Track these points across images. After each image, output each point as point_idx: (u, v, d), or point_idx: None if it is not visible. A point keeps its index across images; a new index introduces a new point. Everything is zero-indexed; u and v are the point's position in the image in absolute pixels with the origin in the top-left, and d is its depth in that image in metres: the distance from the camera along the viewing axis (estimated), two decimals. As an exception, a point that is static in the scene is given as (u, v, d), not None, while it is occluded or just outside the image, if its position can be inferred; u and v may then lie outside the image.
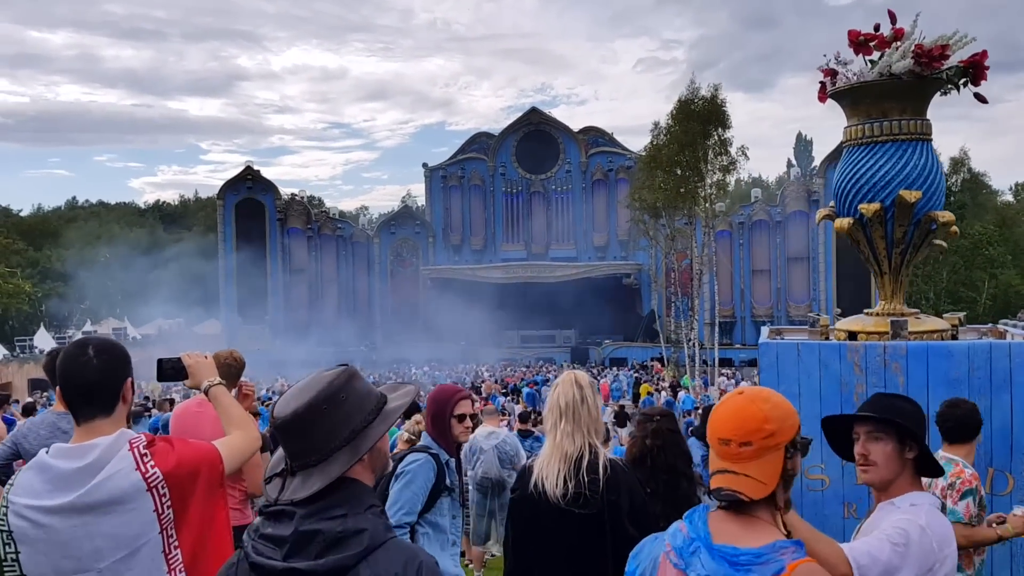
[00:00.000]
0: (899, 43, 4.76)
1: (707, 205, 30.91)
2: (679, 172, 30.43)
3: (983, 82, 4.69)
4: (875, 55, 4.91)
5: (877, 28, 4.84)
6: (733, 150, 30.52)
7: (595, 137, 47.92)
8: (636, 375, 32.92)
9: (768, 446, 1.77)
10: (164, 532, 2.25)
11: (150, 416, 14.38)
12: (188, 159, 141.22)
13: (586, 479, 2.94)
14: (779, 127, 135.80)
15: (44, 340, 39.69)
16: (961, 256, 44.19)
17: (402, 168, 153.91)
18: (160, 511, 2.24)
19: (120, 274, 51.76)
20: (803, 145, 78.43)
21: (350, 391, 1.78)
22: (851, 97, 4.93)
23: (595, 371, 37.44)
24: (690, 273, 34.37)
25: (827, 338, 5.12)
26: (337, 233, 48.47)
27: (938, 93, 4.95)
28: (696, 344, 32.42)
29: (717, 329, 33.12)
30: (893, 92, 4.77)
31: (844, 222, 4.89)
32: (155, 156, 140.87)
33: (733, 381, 30.88)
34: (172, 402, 14.22)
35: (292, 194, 48.97)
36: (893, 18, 4.89)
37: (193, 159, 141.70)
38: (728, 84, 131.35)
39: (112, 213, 74.69)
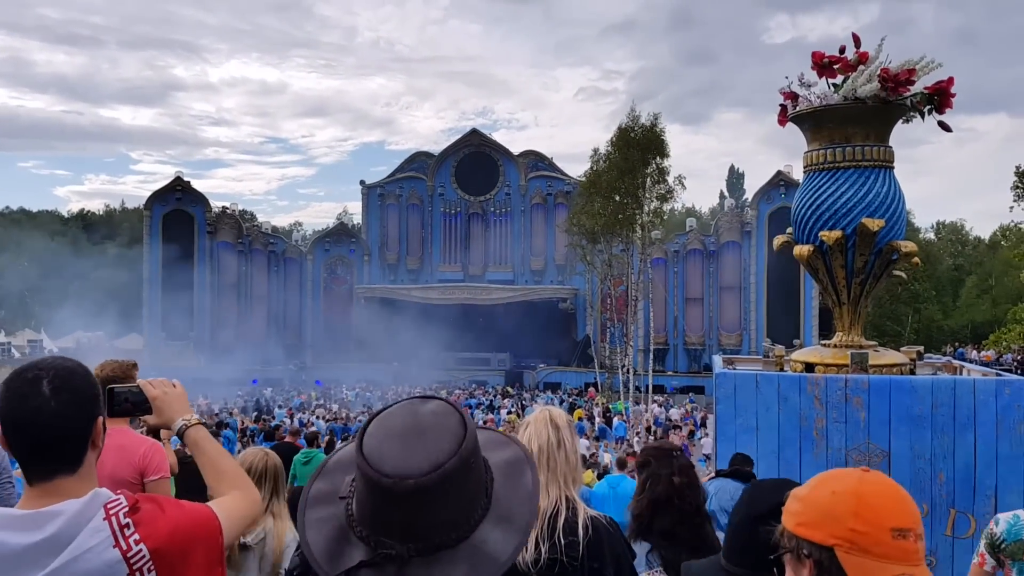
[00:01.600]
0: (864, 66, 4.63)
1: (644, 232, 31.08)
2: (617, 198, 30.56)
3: (948, 110, 4.58)
4: (839, 79, 4.77)
5: (842, 51, 4.71)
6: (670, 179, 30.83)
7: (535, 161, 48.00)
8: (571, 400, 32.79)
9: None
10: None
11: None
12: (117, 168, 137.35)
13: (562, 542, 2.43)
14: (713, 159, 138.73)
15: (-48, 351, 37.77)
16: (886, 290, 45.46)
17: (339, 185, 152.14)
18: None
19: (38, 283, 49.71)
20: (735, 178, 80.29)
21: (472, 434, 1.26)
22: (813, 120, 4.78)
23: (528, 395, 37.22)
24: (625, 299, 34.48)
25: (782, 369, 4.92)
26: (269, 248, 47.41)
27: (901, 120, 4.84)
28: (630, 370, 32.45)
29: (651, 356, 33.18)
30: (858, 117, 4.63)
31: (804, 249, 4.72)
32: (83, 164, 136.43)
33: (664, 408, 31.02)
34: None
35: (223, 207, 47.77)
36: (857, 41, 4.77)
37: (123, 169, 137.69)
38: (666, 116, 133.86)
39: (33, 221, 72.00)
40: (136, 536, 1.66)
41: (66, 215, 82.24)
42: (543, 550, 2.43)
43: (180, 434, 2.18)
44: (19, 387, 1.69)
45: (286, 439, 11.41)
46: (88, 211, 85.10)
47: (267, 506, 3.84)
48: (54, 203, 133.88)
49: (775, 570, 1.58)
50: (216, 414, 25.21)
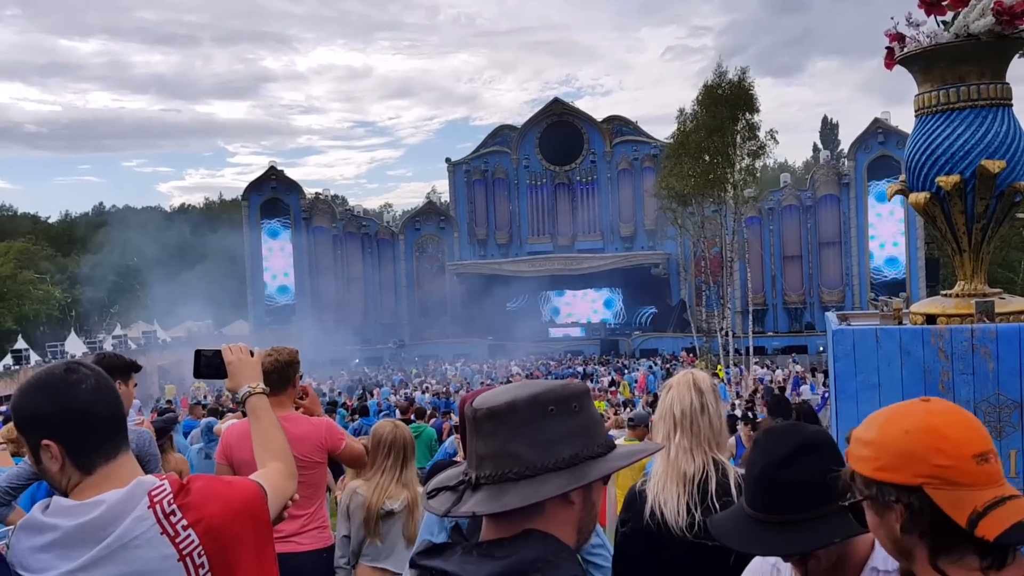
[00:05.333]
0: (975, 1, 4.39)
1: (736, 191, 30.36)
2: (707, 158, 29.90)
3: (1070, 40, 4.31)
4: (948, 15, 4.54)
5: (951, -15, 4.47)
6: (762, 134, 29.97)
7: (619, 126, 47.40)
8: (667, 366, 32.52)
9: None
10: None
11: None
12: (215, 162, 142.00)
13: (716, 505, 2.37)
14: (806, 111, 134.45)
15: (75, 346, 40.01)
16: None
17: (426, 165, 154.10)
18: None
19: (148, 277, 51.99)
20: (829, 129, 77.42)
21: (584, 405, 1.35)
22: (924, 61, 4.56)
23: (625, 363, 37.08)
24: (720, 261, 33.83)
25: (901, 322, 4.75)
26: (362, 231, 48.37)
27: (1018, 55, 4.58)
28: (728, 333, 31.91)
29: (750, 317, 32.53)
30: (971, 54, 4.39)
31: (920, 197, 4.53)
32: (183, 160, 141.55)
33: (769, 370, 30.42)
34: (203, 407, 13.95)
35: (316, 193, 48.94)
36: (967, -26, 4.51)
37: (220, 162, 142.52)
38: (757, 69, 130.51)
39: (138, 217, 75.31)
40: (184, 522, 1.65)
41: (168, 210, 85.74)
42: (696, 514, 2.41)
43: (243, 400, 2.27)
44: (61, 377, 1.68)
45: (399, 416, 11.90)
46: (189, 205, 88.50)
47: (397, 475, 4.00)
48: (157, 199, 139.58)
49: (804, 508, 1.68)
50: (325, 395, 26.00)
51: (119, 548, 1.60)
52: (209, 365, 2.36)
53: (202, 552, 1.65)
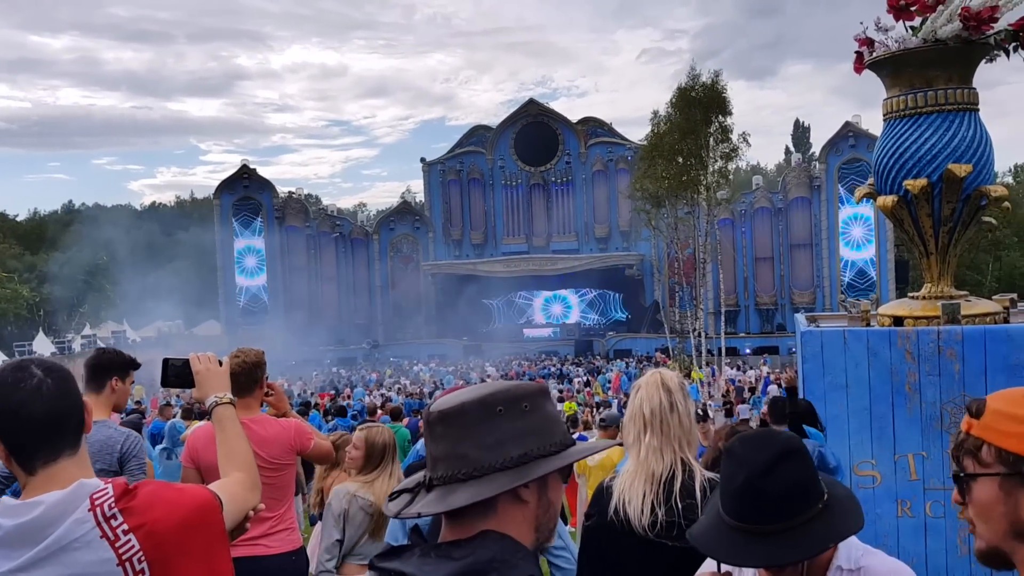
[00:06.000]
0: (943, 6, 4.44)
1: (709, 193, 30.57)
2: (680, 160, 30.09)
3: (1035, 46, 4.37)
4: (917, 21, 4.59)
5: (919, -9, 4.52)
6: (734, 137, 30.22)
7: (594, 128, 47.58)
8: (640, 366, 32.66)
9: None
10: None
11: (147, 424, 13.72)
12: (187, 160, 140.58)
13: (680, 505, 2.43)
14: (779, 114, 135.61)
15: (43, 345, 39.38)
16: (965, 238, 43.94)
17: (401, 164, 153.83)
18: None
19: (118, 277, 51.38)
20: (801, 132, 78.12)
21: (536, 404, 1.37)
22: (892, 66, 4.60)
23: (599, 364, 37.20)
24: (693, 262, 34.06)
25: (869, 324, 4.80)
26: (336, 231, 48.14)
27: (984, 60, 4.64)
28: (701, 334, 32.12)
29: (723, 318, 32.76)
30: (938, 59, 4.44)
31: (888, 200, 4.57)
32: (155, 158, 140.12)
33: (740, 371, 30.65)
34: (171, 407, 13.79)
35: (289, 192, 48.64)
36: (935, -20, 4.56)
37: (192, 160, 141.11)
38: (731, 73, 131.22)
39: (108, 215, 74.42)
40: (125, 526, 1.62)
41: (139, 208, 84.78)
42: (660, 513, 2.44)
43: (210, 410, 2.26)
44: (12, 376, 1.67)
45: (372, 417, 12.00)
46: (160, 203, 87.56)
47: (396, 476, 4.03)
48: (128, 197, 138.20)
49: (791, 516, 1.69)
50: (300, 395, 25.85)
51: (58, 550, 1.58)
52: (178, 375, 2.35)
53: (142, 558, 1.62)
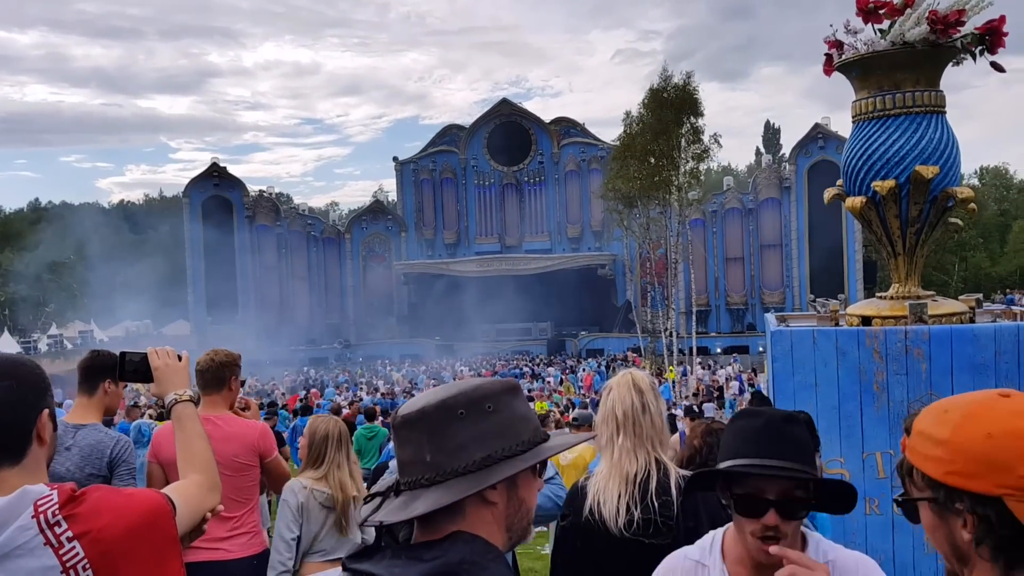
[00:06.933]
0: (911, 9, 4.50)
1: (681, 194, 30.77)
2: (652, 161, 30.26)
3: (1000, 49, 4.44)
4: (885, 24, 4.64)
5: (888, -6, 4.57)
6: (706, 138, 30.45)
7: (567, 128, 47.70)
8: (612, 365, 32.77)
9: None
10: None
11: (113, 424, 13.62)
12: (157, 158, 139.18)
13: (655, 504, 2.45)
14: (750, 116, 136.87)
15: (8, 344, 38.68)
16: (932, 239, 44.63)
17: (374, 163, 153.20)
18: None
19: (85, 275, 50.66)
20: (771, 133, 78.89)
21: (501, 404, 1.33)
22: (860, 68, 4.65)
23: (572, 363, 37.27)
24: (665, 262, 34.25)
25: (838, 323, 4.85)
26: (308, 230, 47.83)
27: (951, 63, 4.70)
28: (673, 333, 32.30)
29: (694, 318, 32.98)
30: (906, 62, 4.50)
31: (856, 201, 4.62)
32: (124, 155, 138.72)
33: (709, 371, 30.86)
34: (138, 408, 13.60)
35: (260, 190, 48.23)
36: (904, -16, 4.62)
37: (162, 158, 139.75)
38: (704, 74, 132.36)
39: (75, 214, 73.39)
40: (69, 533, 1.58)
41: (107, 206, 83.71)
42: (635, 513, 2.45)
43: (169, 407, 2.19)
44: None
45: (344, 415, 12.02)
46: (128, 201, 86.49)
47: (348, 468, 3.92)
48: (96, 195, 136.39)
49: (808, 464, 1.75)
50: (270, 395, 25.65)
51: (1, 557, 1.54)
52: (136, 370, 2.27)
53: (87, 565, 1.58)
